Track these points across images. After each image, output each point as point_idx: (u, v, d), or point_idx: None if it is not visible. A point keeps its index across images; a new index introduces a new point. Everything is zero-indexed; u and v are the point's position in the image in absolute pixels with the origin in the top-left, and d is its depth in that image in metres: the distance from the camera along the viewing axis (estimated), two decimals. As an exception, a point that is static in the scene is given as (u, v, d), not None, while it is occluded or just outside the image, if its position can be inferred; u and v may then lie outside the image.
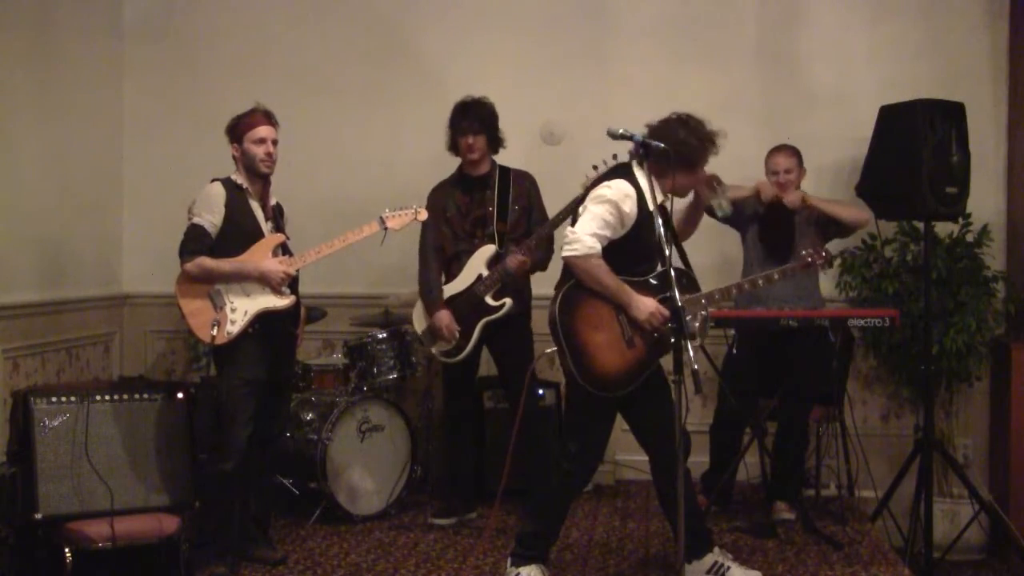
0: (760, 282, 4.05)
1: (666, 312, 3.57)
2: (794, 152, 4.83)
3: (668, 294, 3.46)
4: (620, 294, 3.64)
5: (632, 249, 3.69)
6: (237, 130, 4.02)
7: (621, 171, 3.78)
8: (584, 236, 3.61)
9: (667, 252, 3.58)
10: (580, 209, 3.74)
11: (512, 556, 3.89)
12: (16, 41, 4.75)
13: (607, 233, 3.65)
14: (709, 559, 3.90)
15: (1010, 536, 4.85)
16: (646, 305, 3.63)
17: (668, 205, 3.74)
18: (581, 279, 3.64)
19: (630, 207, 3.66)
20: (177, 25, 5.81)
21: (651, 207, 3.58)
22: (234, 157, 4.06)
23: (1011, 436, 5.08)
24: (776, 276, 4.09)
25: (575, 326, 3.64)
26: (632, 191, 3.67)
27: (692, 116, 3.76)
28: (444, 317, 4.60)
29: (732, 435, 4.91)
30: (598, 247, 3.63)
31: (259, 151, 4.00)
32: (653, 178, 3.58)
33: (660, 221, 3.53)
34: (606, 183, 3.73)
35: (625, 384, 3.67)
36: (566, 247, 3.63)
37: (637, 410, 3.84)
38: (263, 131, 4.01)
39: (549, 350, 3.77)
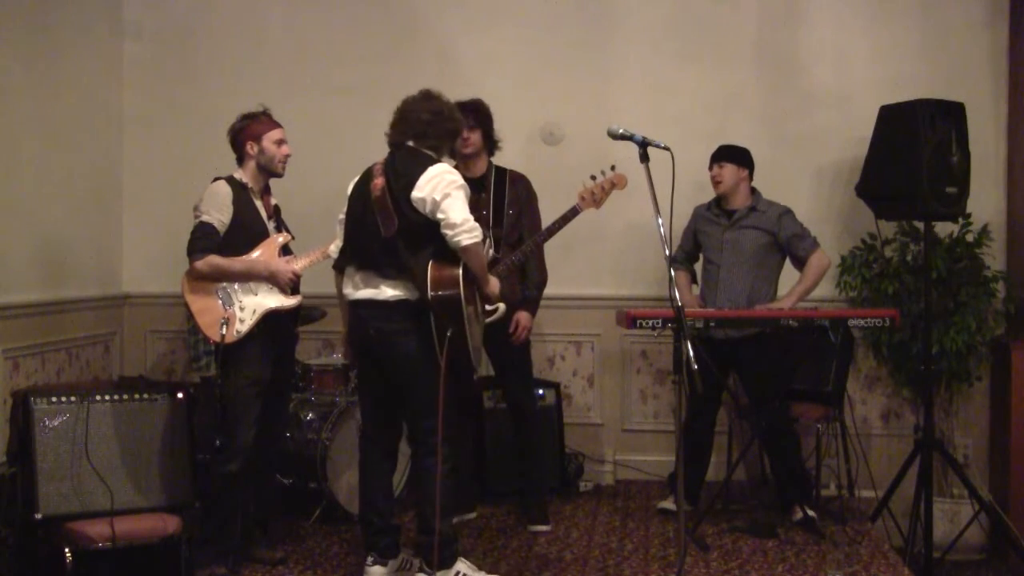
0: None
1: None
2: (726, 157, 4.81)
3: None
4: (486, 271, 3.77)
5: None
6: (254, 129, 4.02)
7: (426, 157, 3.77)
8: (473, 222, 3.62)
9: (667, 251, 3.60)
10: (436, 195, 3.60)
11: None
12: (16, 41, 4.74)
13: None
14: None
15: (1010, 536, 4.85)
16: (496, 280, 3.87)
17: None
18: (471, 263, 3.64)
19: None
20: (177, 25, 5.80)
21: None
22: (246, 155, 4.03)
23: (1011, 436, 5.08)
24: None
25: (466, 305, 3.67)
26: None
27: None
28: None
29: (701, 437, 4.89)
30: None
31: (279, 152, 4.04)
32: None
33: None
34: (444, 167, 3.70)
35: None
36: (467, 235, 3.57)
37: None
38: (280, 133, 4.06)
39: (450, 332, 3.60)
